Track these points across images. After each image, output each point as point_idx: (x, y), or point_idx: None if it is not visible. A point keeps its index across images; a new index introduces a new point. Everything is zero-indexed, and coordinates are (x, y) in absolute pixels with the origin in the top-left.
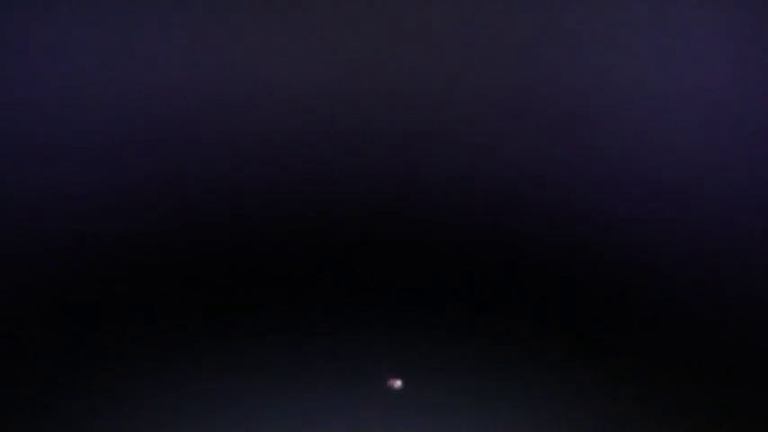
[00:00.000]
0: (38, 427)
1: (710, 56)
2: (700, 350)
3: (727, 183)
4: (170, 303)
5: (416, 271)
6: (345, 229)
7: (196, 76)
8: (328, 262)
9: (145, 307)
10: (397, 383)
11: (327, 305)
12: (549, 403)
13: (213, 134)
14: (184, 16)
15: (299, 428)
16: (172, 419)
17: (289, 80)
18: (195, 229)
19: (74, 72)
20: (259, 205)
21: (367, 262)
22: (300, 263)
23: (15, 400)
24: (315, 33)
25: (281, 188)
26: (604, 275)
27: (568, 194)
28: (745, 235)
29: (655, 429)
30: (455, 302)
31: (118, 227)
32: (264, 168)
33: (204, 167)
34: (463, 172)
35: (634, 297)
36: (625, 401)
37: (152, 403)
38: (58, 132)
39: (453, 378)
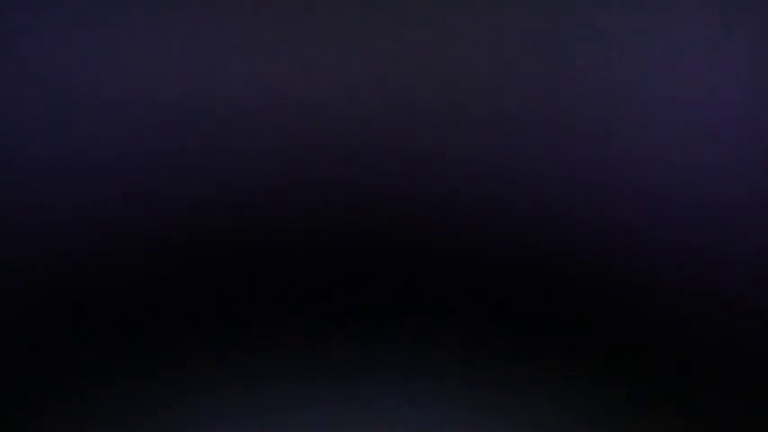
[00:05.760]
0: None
1: (715, 59)
2: (700, 355)
3: (729, 185)
4: (174, 309)
5: (420, 279)
6: (352, 236)
7: (206, 83)
8: (334, 268)
9: (150, 311)
10: None
11: (331, 312)
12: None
13: (222, 142)
14: (196, 23)
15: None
16: (175, 421)
17: (297, 90)
18: (201, 233)
19: (87, 77)
20: (264, 212)
21: (373, 268)
22: (306, 269)
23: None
24: (322, 43)
25: (287, 195)
26: (608, 283)
27: (573, 202)
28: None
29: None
30: (461, 311)
31: (126, 231)
32: (270, 175)
33: (211, 174)
34: (470, 180)
35: (639, 305)
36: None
37: (157, 407)
38: (75, 138)
39: (457, 383)
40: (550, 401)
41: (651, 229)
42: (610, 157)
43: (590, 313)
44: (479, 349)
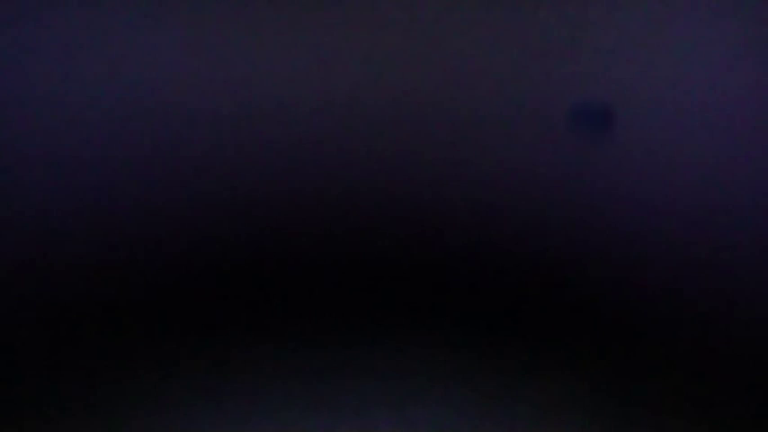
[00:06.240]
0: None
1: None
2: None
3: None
4: (173, 310)
5: (418, 280)
6: (352, 237)
7: (205, 85)
8: (332, 270)
9: (149, 312)
10: None
11: (326, 313)
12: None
13: (220, 143)
14: (193, 27)
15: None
16: (175, 421)
17: (294, 91)
18: (200, 235)
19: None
20: (263, 212)
21: (368, 271)
22: (302, 269)
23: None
24: (318, 46)
25: (286, 196)
26: (607, 285)
27: (573, 202)
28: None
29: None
30: (461, 311)
31: (125, 233)
32: (268, 176)
33: (210, 176)
34: (469, 182)
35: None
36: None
37: (157, 407)
38: (73, 142)
39: (455, 384)
40: (550, 402)
41: (651, 230)
42: (609, 156)
43: (589, 314)
44: (479, 350)
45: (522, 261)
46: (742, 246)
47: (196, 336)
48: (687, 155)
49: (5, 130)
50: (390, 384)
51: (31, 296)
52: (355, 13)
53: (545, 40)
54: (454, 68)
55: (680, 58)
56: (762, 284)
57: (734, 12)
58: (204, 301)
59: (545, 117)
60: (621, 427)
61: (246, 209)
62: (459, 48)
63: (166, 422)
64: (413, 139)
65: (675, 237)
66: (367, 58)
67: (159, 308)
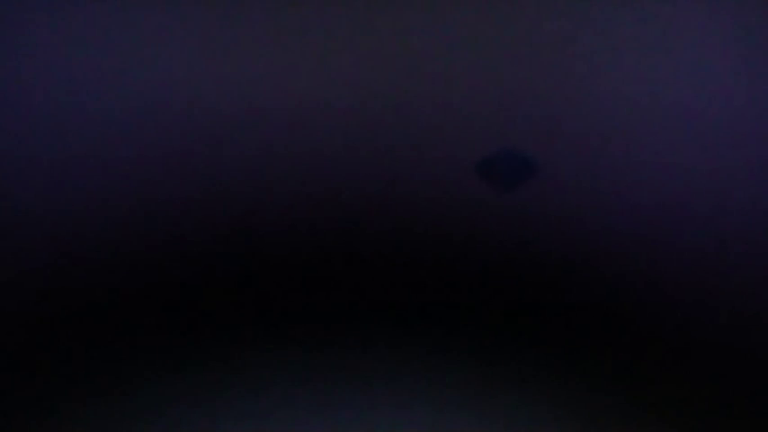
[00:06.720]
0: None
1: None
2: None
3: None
4: (172, 310)
5: (414, 280)
6: (352, 237)
7: (205, 85)
8: (325, 270)
9: (147, 312)
10: None
11: (322, 313)
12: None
13: (214, 145)
14: (188, 27)
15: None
16: (173, 422)
17: (289, 92)
18: (199, 235)
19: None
20: (262, 212)
21: (363, 270)
22: (298, 270)
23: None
24: (313, 45)
25: (285, 197)
26: (604, 286)
27: (574, 203)
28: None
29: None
30: (458, 311)
31: (124, 233)
32: (267, 176)
33: (209, 176)
34: (464, 182)
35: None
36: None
37: (155, 407)
38: (68, 143)
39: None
40: (550, 404)
41: (650, 232)
42: (609, 159)
43: (590, 315)
44: (478, 351)
45: (525, 261)
46: (743, 247)
47: (195, 336)
48: (687, 156)
49: (4, 129)
50: (390, 385)
51: (28, 296)
52: (354, 13)
53: (545, 41)
54: (450, 69)
55: (679, 59)
56: (762, 284)
57: (734, 11)
58: (203, 302)
59: (546, 116)
60: (622, 427)
61: (246, 209)
62: (457, 48)
63: (166, 422)
64: (410, 139)
65: (677, 237)
66: (368, 57)
67: (159, 308)
